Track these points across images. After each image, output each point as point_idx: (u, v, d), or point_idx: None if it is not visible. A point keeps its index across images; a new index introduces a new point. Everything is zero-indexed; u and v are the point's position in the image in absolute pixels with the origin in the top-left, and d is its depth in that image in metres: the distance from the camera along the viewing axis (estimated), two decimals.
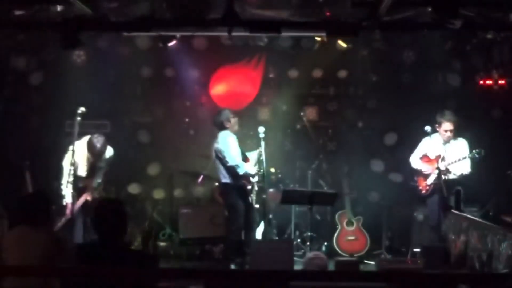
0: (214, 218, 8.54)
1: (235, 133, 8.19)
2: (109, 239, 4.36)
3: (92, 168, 8.01)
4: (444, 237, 7.94)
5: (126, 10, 6.74)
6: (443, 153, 8.14)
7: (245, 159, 8.16)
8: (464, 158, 7.97)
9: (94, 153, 7.84)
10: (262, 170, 8.13)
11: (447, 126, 8.15)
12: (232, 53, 10.21)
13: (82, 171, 7.90)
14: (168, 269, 5.99)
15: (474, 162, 8.12)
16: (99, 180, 8.18)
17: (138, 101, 10.40)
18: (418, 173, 8.45)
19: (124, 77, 10.26)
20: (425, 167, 8.32)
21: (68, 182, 7.59)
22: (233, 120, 8.17)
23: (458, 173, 8.11)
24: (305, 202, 8.20)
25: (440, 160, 8.09)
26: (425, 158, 8.35)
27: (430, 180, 8.24)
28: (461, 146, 8.21)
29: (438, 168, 8.00)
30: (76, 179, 7.67)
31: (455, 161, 8.03)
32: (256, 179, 8.13)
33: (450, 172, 8.05)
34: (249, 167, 8.05)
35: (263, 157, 8.20)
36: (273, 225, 8.64)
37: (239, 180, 7.92)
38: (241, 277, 3.90)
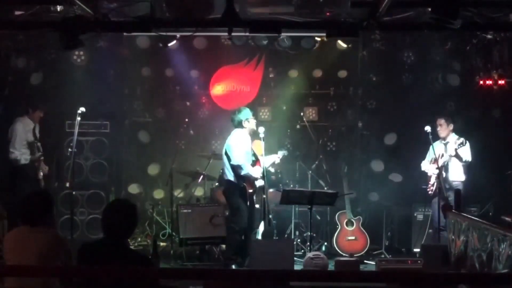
0: (214, 218, 8.52)
1: (251, 133, 8.09)
2: (115, 239, 4.37)
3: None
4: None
5: (126, 10, 6.72)
6: (443, 152, 8.25)
7: (255, 162, 8.10)
8: (452, 154, 8.11)
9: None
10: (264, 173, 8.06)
11: (437, 121, 8.45)
12: (232, 53, 10.23)
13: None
14: (168, 269, 5.99)
15: (468, 166, 8.22)
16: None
17: (138, 101, 10.42)
18: (427, 175, 8.50)
19: (124, 77, 10.28)
20: (430, 169, 8.41)
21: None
22: (252, 121, 8.05)
23: (454, 179, 8.24)
24: (305, 202, 8.19)
25: (439, 158, 8.16)
26: (433, 161, 8.37)
27: (432, 180, 8.32)
28: (462, 148, 8.19)
29: (437, 168, 8.08)
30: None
31: (449, 156, 8.14)
32: (260, 183, 8.06)
33: (446, 172, 8.16)
34: (255, 171, 7.95)
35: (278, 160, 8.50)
36: (273, 225, 8.64)
37: (241, 181, 7.89)
38: (241, 277, 3.90)
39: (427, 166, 8.50)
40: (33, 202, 4.97)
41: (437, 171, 8.12)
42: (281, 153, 8.71)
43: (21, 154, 8.47)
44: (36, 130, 8.66)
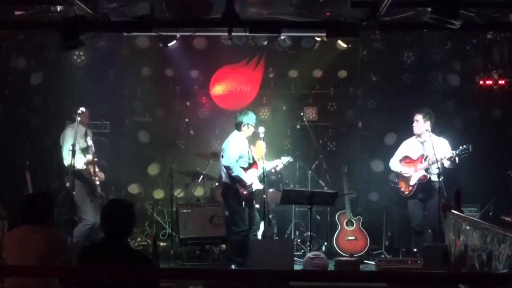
0: (214, 218, 8.53)
1: (249, 138, 8.13)
2: (115, 238, 4.38)
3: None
4: (428, 237, 7.98)
5: (126, 10, 6.73)
6: (424, 152, 8.03)
7: (252, 165, 8.11)
8: (451, 157, 7.68)
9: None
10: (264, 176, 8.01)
11: (414, 116, 8.10)
12: (232, 53, 10.23)
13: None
14: (168, 269, 5.99)
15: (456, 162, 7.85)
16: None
17: (138, 101, 10.42)
18: (399, 175, 8.31)
19: (124, 77, 10.27)
20: (405, 170, 8.17)
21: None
22: (252, 128, 8.01)
23: (434, 179, 7.91)
24: (305, 202, 8.20)
25: (423, 160, 7.97)
26: (406, 159, 8.22)
27: (413, 181, 8.08)
28: (442, 145, 7.97)
29: (425, 169, 7.90)
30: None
31: (441, 159, 7.72)
32: (258, 186, 8.04)
33: (432, 172, 7.91)
34: (246, 175, 7.96)
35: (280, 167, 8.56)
36: (273, 225, 8.64)
37: (234, 183, 7.91)
38: (241, 277, 3.90)
39: (401, 167, 8.19)
40: (33, 202, 4.98)
41: (422, 171, 7.92)
42: (285, 159, 8.65)
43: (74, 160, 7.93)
44: (89, 134, 8.27)
